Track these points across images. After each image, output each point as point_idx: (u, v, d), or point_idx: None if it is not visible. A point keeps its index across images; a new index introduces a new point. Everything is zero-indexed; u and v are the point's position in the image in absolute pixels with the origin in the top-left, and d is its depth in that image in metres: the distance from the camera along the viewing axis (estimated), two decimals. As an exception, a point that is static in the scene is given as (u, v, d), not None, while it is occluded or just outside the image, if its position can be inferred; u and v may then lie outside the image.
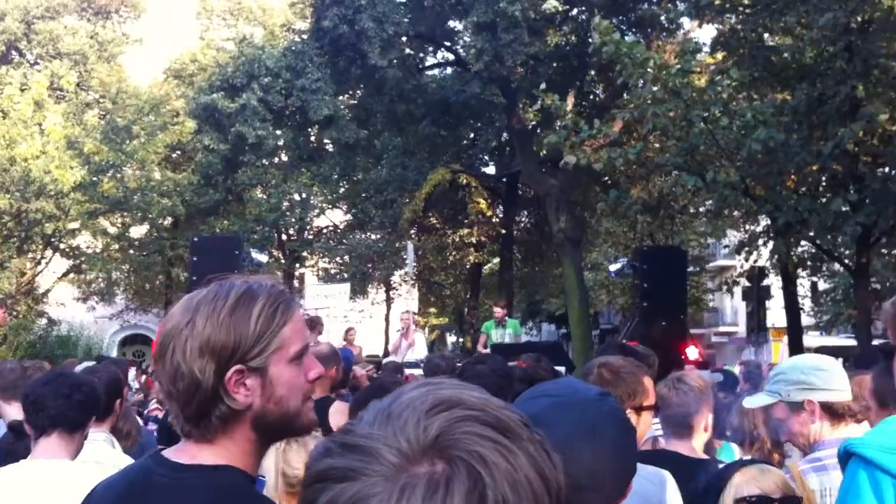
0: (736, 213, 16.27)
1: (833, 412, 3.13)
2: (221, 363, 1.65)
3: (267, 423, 1.71)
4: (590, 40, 13.44)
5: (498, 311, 15.81)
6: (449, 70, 27.45)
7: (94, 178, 23.79)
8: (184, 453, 1.70)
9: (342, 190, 30.57)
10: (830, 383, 3.13)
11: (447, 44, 25.17)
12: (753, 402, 3.46)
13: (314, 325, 14.84)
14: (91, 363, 6.75)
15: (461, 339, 30.76)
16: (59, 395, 3.41)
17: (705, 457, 3.74)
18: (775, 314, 20.41)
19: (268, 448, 1.81)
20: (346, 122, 26.19)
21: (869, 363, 4.65)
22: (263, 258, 17.71)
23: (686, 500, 2.73)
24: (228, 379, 1.66)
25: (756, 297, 18.98)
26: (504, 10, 18.62)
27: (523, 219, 31.50)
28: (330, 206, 31.63)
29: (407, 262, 16.54)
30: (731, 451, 4.43)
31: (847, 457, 1.89)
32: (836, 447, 3.00)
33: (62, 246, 25.88)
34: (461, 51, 24.88)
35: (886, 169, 13.59)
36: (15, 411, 4.22)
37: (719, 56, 16.21)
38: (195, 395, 1.65)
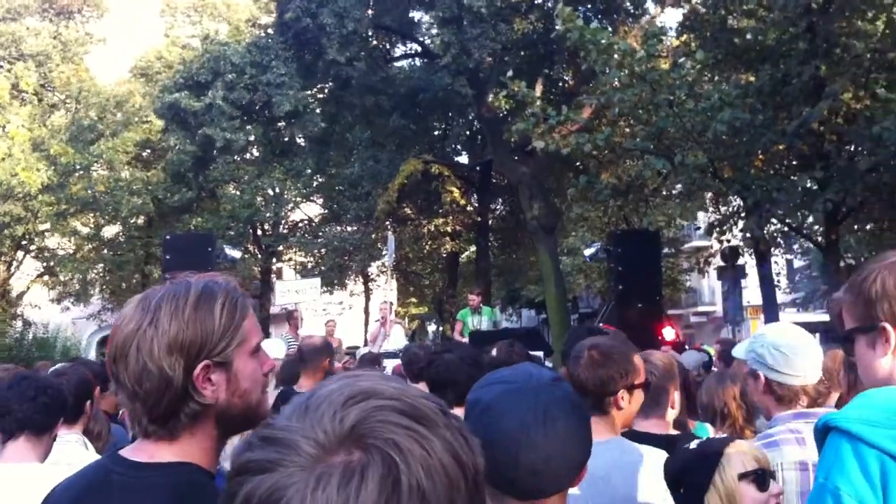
0: (706, 194, 16.36)
1: (775, 393, 3.16)
2: (189, 360, 1.67)
3: (230, 416, 1.74)
4: (555, 27, 13.43)
5: (472, 299, 15.87)
6: (417, 62, 27.41)
7: (62, 181, 23.64)
8: (142, 452, 1.71)
9: (316, 184, 30.47)
10: (782, 365, 3.14)
11: (413, 35, 25.06)
12: (737, 352, 3.63)
13: (291, 317, 14.90)
14: (64, 365, 6.71)
15: (441, 328, 30.76)
16: (24, 398, 3.43)
17: (676, 432, 3.81)
18: (752, 293, 20.54)
19: (225, 442, 1.82)
20: (310, 115, 26.08)
21: (838, 337, 4.70)
22: (237, 254, 17.65)
23: (672, 475, 2.76)
24: (197, 375, 1.68)
25: (732, 277, 19.10)
26: (469, 6, 18.56)
27: (498, 207, 31.52)
28: (304, 200, 31.54)
29: (386, 253, 16.50)
30: (705, 430, 4.48)
31: (826, 431, 1.90)
32: (786, 424, 3.09)
33: (33, 248, 25.72)
34: (428, 42, 24.81)
35: (852, 147, 13.70)
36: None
37: (685, 39, 16.29)
38: (164, 394, 1.66)
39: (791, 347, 3.18)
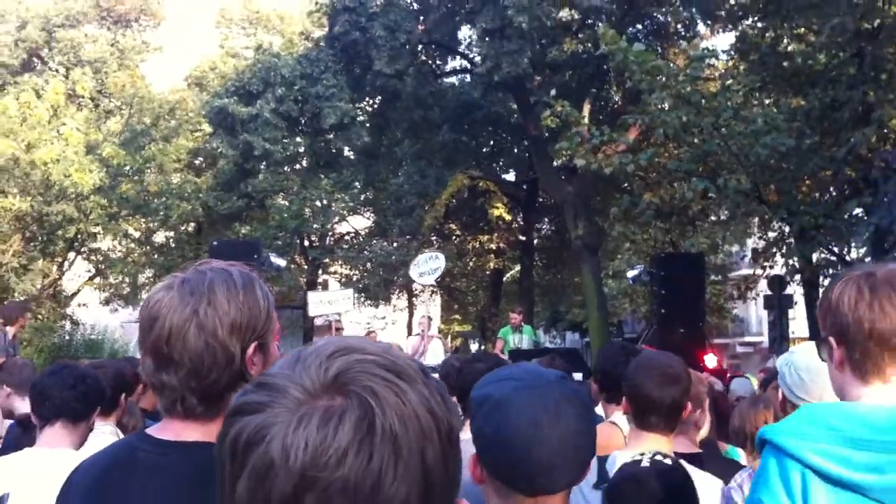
0: (751, 219, 16.19)
1: (787, 411, 3.06)
2: (244, 340, 1.75)
3: None
4: (602, 48, 13.39)
5: (514, 317, 15.87)
6: (467, 77, 27.43)
7: (113, 182, 24.05)
8: (168, 430, 1.77)
9: (363, 197, 30.57)
10: (797, 388, 3.07)
11: (461, 50, 25.11)
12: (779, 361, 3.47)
13: (331, 329, 14.99)
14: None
15: (483, 346, 30.66)
16: (64, 385, 3.52)
17: (699, 450, 3.82)
18: (800, 323, 20.24)
19: None
20: (357, 128, 26.20)
21: None
22: (282, 262, 17.81)
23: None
24: (249, 356, 1.76)
25: (778, 306, 18.82)
26: (511, 20, 18.61)
27: (544, 226, 31.41)
28: (351, 213, 31.66)
29: (435, 271, 16.40)
30: (736, 454, 4.45)
31: (763, 445, 1.92)
32: None
33: (84, 250, 26.14)
34: (472, 56, 24.83)
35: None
36: (27, 406, 4.31)
37: (733, 63, 16.22)
38: (225, 371, 1.73)
39: (810, 371, 3.08)
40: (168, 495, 1.70)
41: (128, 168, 24.50)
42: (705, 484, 2.93)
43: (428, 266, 16.22)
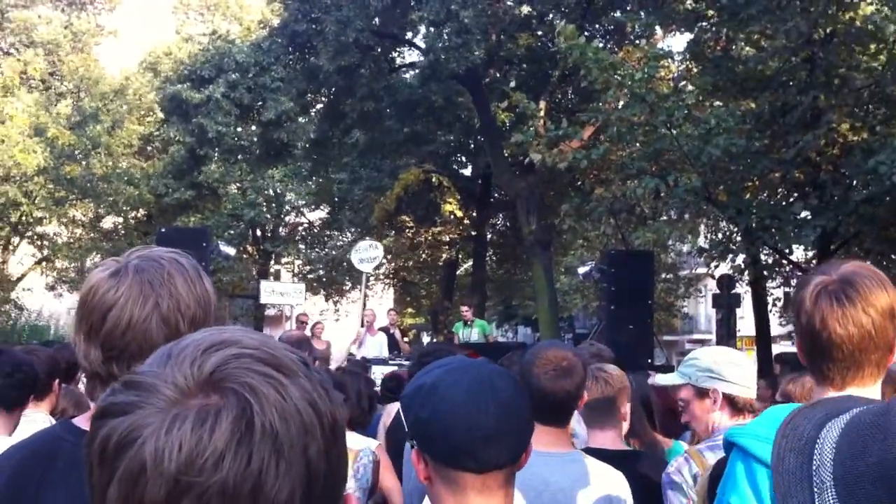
0: (700, 218, 16.39)
1: (734, 405, 3.25)
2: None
3: None
4: (559, 44, 13.42)
5: (465, 311, 15.97)
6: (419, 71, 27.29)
7: (58, 163, 23.69)
8: None
9: (316, 188, 30.43)
10: (739, 379, 3.25)
11: (414, 42, 24.94)
12: (663, 379, 3.57)
13: (298, 320, 15.14)
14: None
15: (435, 340, 30.71)
16: (0, 373, 3.48)
17: (628, 447, 3.85)
18: (747, 322, 20.50)
19: None
20: (306, 123, 26.04)
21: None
22: (231, 251, 17.68)
23: None
24: None
25: (726, 305, 19.10)
26: (455, 13, 18.52)
27: (498, 221, 31.50)
28: (306, 206, 31.56)
29: (374, 260, 16.51)
30: (681, 449, 4.50)
31: (729, 447, 1.93)
32: None
33: (29, 233, 25.78)
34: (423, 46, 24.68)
35: (848, 178, 13.76)
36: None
37: (687, 65, 16.39)
38: None
39: (742, 361, 3.34)
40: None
41: (76, 151, 24.13)
42: (605, 476, 2.94)
43: (368, 254, 16.34)
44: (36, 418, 4.02)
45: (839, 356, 1.94)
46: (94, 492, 0.87)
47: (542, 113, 18.68)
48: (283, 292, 17.30)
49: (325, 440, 0.87)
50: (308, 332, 13.88)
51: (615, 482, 2.94)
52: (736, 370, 3.26)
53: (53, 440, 1.74)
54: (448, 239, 28.68)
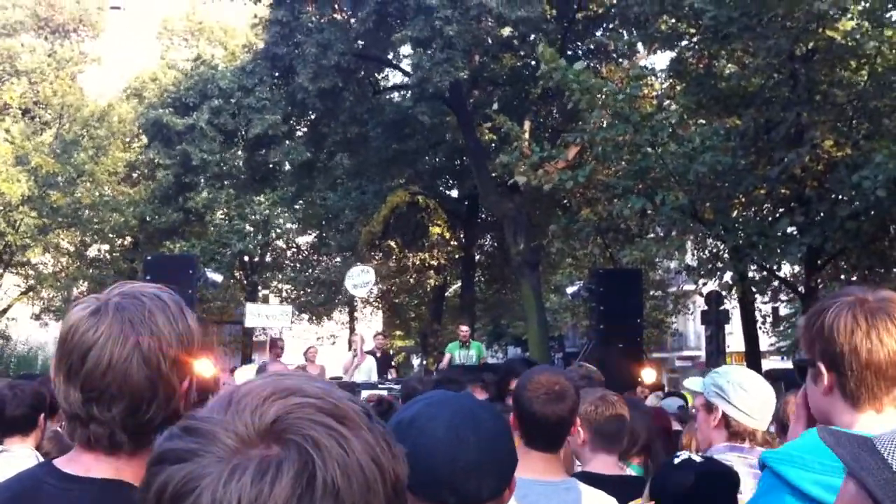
0: (687, 236, 16.44)
1: (730, 428, 3.28)
2: (183, 372, 1.68)
3: None
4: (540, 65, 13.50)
5: (463, 332, 15.78)
6: (407, 93, 27.40)
7: (42, 192, 23.66)
8: (77, 464, 1.67)
9: (297, 208, 30.41)
10: (741, 404, 3.27)
11: (399, 65, 25.02)
12: (690, 383, 3.69)
13: (274, 345, 14.90)
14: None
15: (425, 362, 30.66)
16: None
17: (628, 472, 3.86)
18: (736, 338, 20.52)
19: None
20: (293, 142, 26.08)
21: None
22: (219, 278, 17.58)
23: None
24: (184, 390, 1.69)
25: (715, 321, 19.10)
26: (440, 30, 18.61)
27: (486, 242, 31.53)
28: (294, 232, 31.55)
29: (366, 284, 16.47)
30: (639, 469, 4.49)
31: (763, 467, 1.93)
32: (720, 455, 3.16)
33: (14, 262, 25.68)
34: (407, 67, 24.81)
35: (833, 194, 13.81)
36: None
37: (670, 83, 16.47)
38: (169, 404, 1.66)
39: (755, 391, 3.33)
40: None
41: (59, 178, 24.08)
42: (599, 503, 2.92)
43: (360, 279, 16.27)
44: (22, 454, 3.98)
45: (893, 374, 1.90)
46: None
47: (526, 134, 18.75)
48: (270, 315, 17.14)
49: (387, 498, 0.85)
50: (302, 358, 13.83)
51: None
52: (741, 395, 3.29)
53: (35, 483, 1.68)
54: (436, 263, 28.63)
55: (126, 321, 1.65)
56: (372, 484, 0.82)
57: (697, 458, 2.67)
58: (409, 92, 23.75)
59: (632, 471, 4.16)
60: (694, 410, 3.55)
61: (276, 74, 23.63)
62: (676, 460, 2.67)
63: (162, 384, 1.65)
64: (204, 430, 0.83)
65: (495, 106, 15.85)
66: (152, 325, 1.66)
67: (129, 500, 1.57)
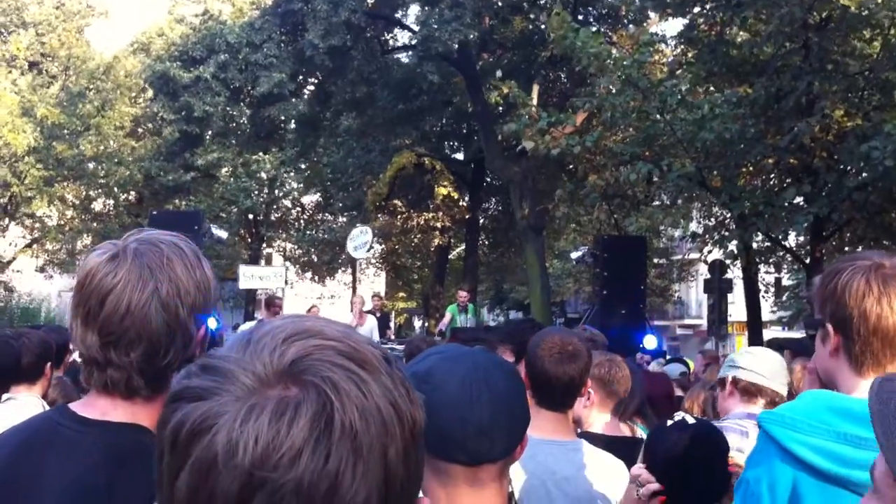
0: (693, 204, 16.42)
1: (739, 386, 3.43)
2: (198, 321, 1.70)
3: None
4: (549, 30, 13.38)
5: (462, 296, 15.86)
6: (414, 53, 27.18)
7: (48, 143, 23.58)
8: (93, 408, 1.69)
9: (308, 172, 30.35)
10: (748, 364, 3.43)
11: (406, 24, 24.81)
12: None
13: (272, 304, 14.91)
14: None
15: (427, 324, 30.73)
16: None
17: (629, 434, 3.93)
18: (738, 307, 20.54)
19: None
20: (297, 101, 25.91)
21: (805, 351, 4.86)
22: (223, 234, 17.59)
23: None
24: (200, 337, 1.71)
25: (717, 290, 19.12)
26: None
27: (491, 206, 31.49)
28: (299, 192, 31.50)
29: (364, 245, 16.49)
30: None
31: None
32: (735, 420, 3.25)
33: (19, 215, 25.69)
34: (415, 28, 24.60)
35: (841, 165, 13.76)
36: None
37: (682, 49, 16.35)
38: (186, 349, 1.68)
39: (760, 353, 3.60)
40: (86, 475, 1.62)
41: (65, 130, 24.00)
42: (607, 465, 2.95)
43: (360, 240, 16.29)
44: (29, 402, 4.01)
45: None
46: (164, 476, 0.83)
47: (534, 99, 18.65)
48: (263, 276, 17.18)
49: (405, 442, 0.84)
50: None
51: (616, 471, 2.95)
52: (747, 358, 3.49)
53: (51, 425, 1.70)
54: (441, 225, 28.59)
55: (145, 266, 1.66)
56: (390, 428, 0.82)
57: (690, 420, 2.69)
58: (415, 48, 23.56)
59: (641, 431, 4.21)
60: (694, 377, 3.71)
61: (285, 31, 23.46)
62: (670, 422, 2.69)
63: (179, 330, 1.66)
64: (222, 369, 0.82)
65: (499, 74, 15.72)
66: (170, 271, 1.67)
67: (145, 443, 1.60)
